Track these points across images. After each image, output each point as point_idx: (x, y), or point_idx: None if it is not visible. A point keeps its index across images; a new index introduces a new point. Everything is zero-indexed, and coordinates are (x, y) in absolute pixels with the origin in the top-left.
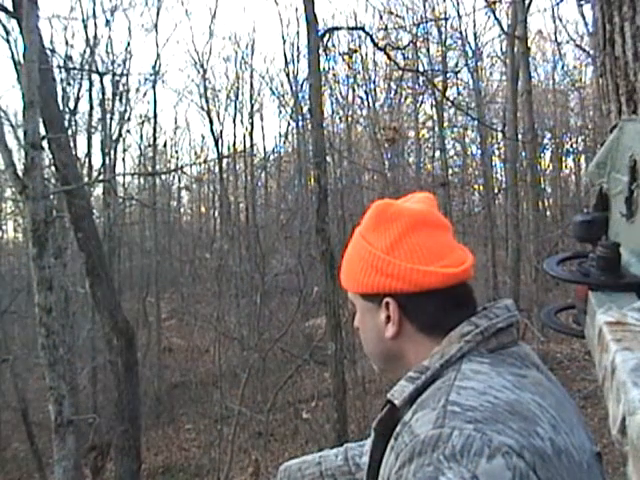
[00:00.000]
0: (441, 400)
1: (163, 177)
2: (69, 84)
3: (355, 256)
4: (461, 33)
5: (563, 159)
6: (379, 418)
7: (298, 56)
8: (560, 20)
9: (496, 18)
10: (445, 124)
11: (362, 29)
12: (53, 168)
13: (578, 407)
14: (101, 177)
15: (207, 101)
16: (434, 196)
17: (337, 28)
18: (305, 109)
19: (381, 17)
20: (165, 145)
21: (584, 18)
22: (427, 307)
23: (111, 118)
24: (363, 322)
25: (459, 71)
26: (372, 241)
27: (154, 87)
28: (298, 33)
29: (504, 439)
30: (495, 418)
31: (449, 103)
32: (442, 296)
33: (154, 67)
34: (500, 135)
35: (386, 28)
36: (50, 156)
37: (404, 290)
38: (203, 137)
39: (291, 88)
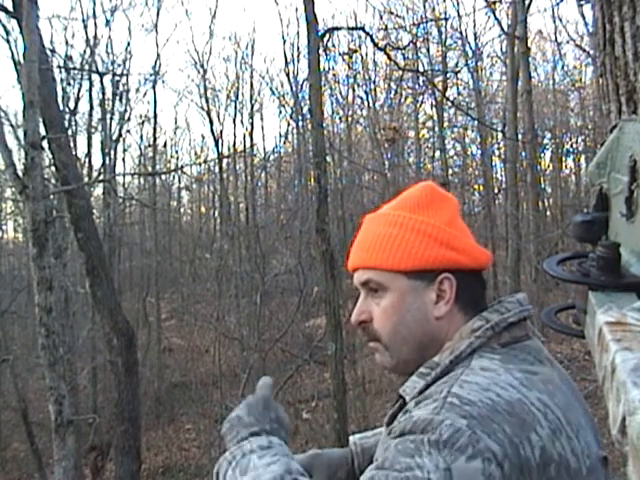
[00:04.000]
0: (443, 392)
1: (163, 177)
2: (69, 84)
3: (404, 231)
4: (461, 33)
5: (563, 159)
6: (391, 413)
7: (298, 56)
8: (560, 20)
9: (496, 18)
10: (445, 124)
11: (362, 29)
12: (53, 168)
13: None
14: (101, 177)
15: (207, 101)
16: None
17: (337, 28)
18: (305, 109)
19: (381, 17)
20: (165, 145)
21: (584, 18)
22: (472, 286)
23: (111, 118)
24: (400, 305)
25: (459, 71)
26: (430, 216)
27: (154, 87)
28: (298, 33)
29: (491, 444)
30: (491, 417)
31: (449, 103)
32: (480, 277)
33: (154, 67)
34: (500, 135)
35: (386, 28)
36: (50, 156)
37: (467, 265)
38: (203, 137)
39: (291, 88)
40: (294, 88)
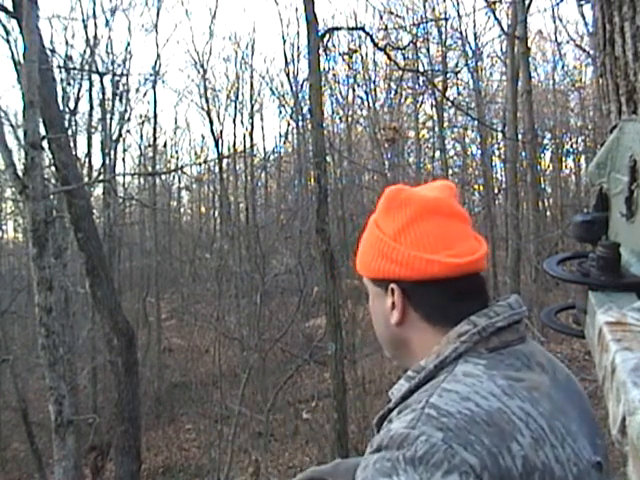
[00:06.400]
0: (422, 401)
1: (163, 177)
2: (69, 84)
3: (367, 241)
4: (461, 33)
5: (563, 159)
6: (379, 415)
7: (298, 56)
8: (560, 20)
9: (496, 18)
10: (445, 124)
11: (362, 29)
12: (53, 168)
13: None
14: (101, 177)
15: (207, 101)
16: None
17: (337, 28)
18: (305, 109)
19: (381, 17)
20: (165, 145)
21: (584, 18)
22: (431, 296)
23: (111, 118)
24: (373, 307)
25: (459, 71)
26: (382, 226)
27: (154, 87)
28: (298, 33)
29: (468, 456)
30: (469, 429)
31: (449, 103)
32: (447, 286)
33: (154, 67)
34: (500, 135)
35: (386, 28)
36: (50, 156)
37: (408, 277)
38: (203, 137)
39: (291, 88)
40: (294, 88)
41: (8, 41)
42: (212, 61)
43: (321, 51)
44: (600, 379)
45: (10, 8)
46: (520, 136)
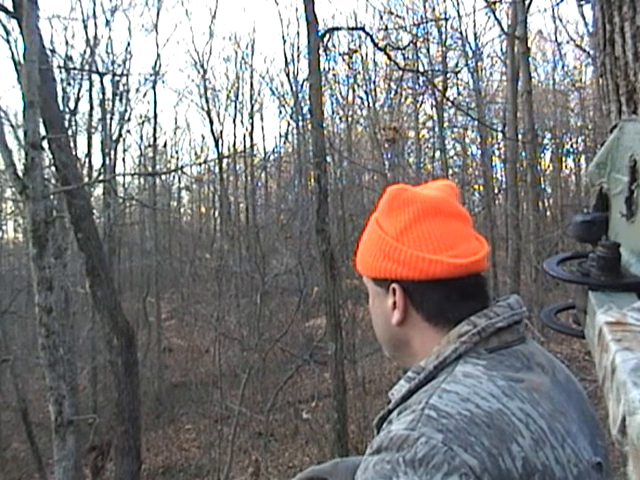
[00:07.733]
0: (422, 402)
1: (163, 177)
2: (69, 84)
3: (368, 240)
4: (461, 33)
5: (563, 159)
6: (380, 415)
7: (298, 56)
8: (560, 20)
9: (496, 18)
10: (445, 124)
11: (362, 29)
12: (53, 168)
13: (591, 409)
14: (101, 177)
15: (207, 101)
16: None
17: (337, 28)
18: (305, 109)
19: (381, 17)
20: (165, 145)
21: (584, 18)
22: (432, 296)
23: (111, 118)
24: (373, 306)
25: (459, 71)
26: (384, 226)
27: (154, 87)
28: (298, 33)
29: (468, 458)
30: (469, 430)
31: (449, 103)
32: (449, 286)
33: (154, 67)
34: (500, 135)
35: (386, 28)
36: (50, 156)
37: (409, 277)
38: (203, 137)
39: (291, 88)
40: (294, 88)
41: (8, 41)
42: (212, 61)
43: (321, 51)
44: (600, 379)
45: (10, 8)
46: (520, 136)
